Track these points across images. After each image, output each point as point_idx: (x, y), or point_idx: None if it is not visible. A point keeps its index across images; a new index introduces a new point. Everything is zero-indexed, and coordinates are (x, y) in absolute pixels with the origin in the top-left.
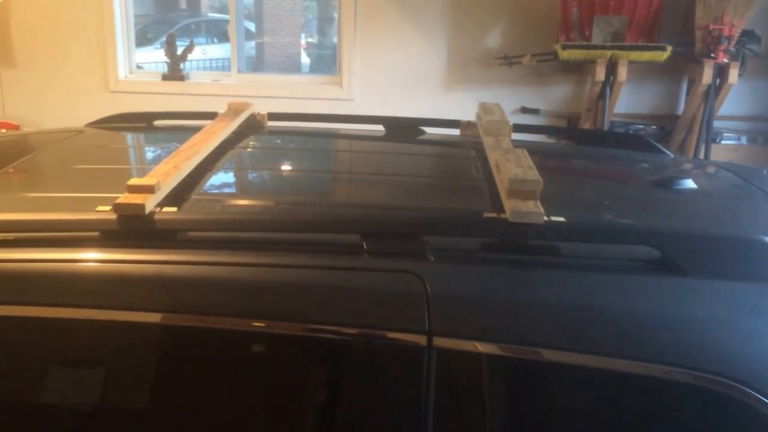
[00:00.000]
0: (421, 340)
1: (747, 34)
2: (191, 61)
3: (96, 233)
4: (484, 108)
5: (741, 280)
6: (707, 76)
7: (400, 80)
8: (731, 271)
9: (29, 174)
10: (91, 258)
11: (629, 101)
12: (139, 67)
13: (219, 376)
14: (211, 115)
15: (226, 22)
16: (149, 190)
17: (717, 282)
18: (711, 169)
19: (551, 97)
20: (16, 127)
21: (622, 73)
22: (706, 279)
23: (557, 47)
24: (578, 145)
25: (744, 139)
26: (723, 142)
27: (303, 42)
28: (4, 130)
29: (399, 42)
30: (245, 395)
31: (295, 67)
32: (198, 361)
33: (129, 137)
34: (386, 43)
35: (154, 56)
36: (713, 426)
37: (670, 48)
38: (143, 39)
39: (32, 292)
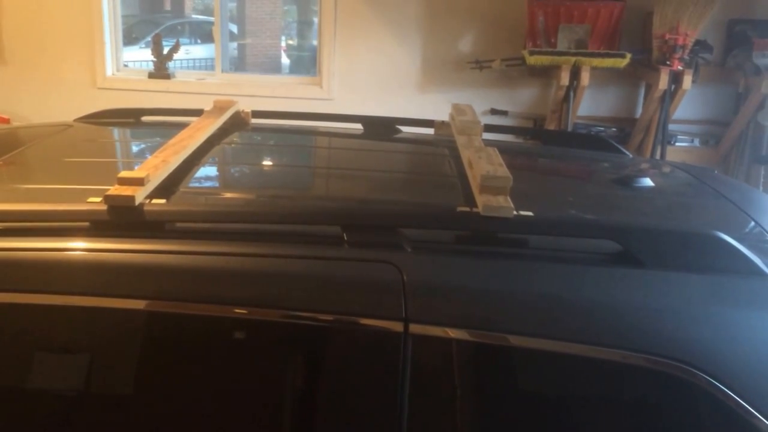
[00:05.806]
0: (397, 327)
1: (700, 44)
2: (175, 60)
3: (87, 223)
4: (456, 109)
5: (694, 272)
6: (663, 82)
7: (377, 81)
8: (686, 264)
9: (21, 166)
10: (82, 247)
11: (591, 104)
12: (125, 65)
13: (203, 360)
14: (197, 112)
15: (209, 23)
16: (139, 182)
17: (672, 273)
18: (667, 169)
19: (519, 100)
20: (7, 121)
21: (585, 78)
22: (663, 271)
23: (525, 53)
24: (544, 144)
25: (697, 142)
26: (677, 143)
27: (283, 44)
28: None
29: (376, 45)
30: (229, 379)
31: (275, 68)
32: (182, 346)
33: (117, 132)
34: (364, 46)
35: (140, 55)
36: (667, 406)
37: (629, 55)
38: (129, 38)
39: (25, 280)
